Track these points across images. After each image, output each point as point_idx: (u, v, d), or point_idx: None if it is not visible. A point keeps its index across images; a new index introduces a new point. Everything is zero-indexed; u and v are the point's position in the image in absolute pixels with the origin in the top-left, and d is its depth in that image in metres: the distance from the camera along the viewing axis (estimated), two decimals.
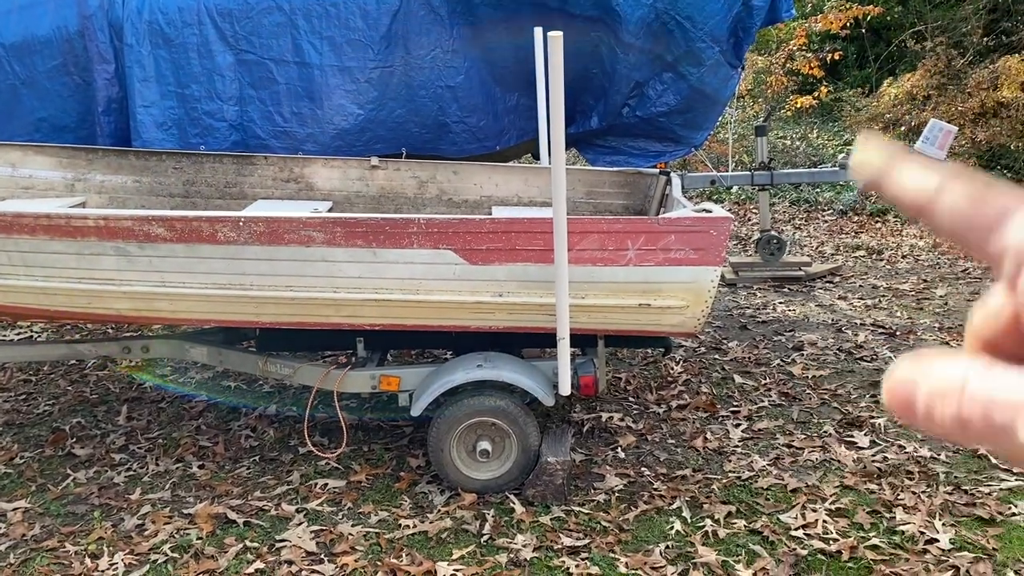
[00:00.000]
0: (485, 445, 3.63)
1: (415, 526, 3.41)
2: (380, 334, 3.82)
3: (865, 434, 4.12)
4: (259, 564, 3.18)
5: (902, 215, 9.34)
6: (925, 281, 6.88)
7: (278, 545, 3.31)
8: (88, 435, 4.35)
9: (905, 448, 3.96)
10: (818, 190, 10.33)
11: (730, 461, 3.91)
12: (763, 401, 4.57)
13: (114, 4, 4.96)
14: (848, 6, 11.10)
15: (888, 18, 12.38)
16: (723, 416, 4.40)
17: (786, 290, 6.76)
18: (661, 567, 3.12)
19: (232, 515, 3.52)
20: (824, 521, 3.37)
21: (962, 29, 11.56)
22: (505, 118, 5.46)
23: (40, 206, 4.26)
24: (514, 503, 3.56)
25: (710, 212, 3.38)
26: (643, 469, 3.86)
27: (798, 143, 11.82)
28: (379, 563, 3.17)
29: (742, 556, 3.17)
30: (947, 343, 5.40)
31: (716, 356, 5.29)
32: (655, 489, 3.68)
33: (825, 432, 4.18)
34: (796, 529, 3.33)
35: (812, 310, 6.20)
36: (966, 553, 3.13)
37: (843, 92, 12.47)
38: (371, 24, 5.06)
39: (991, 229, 0.32)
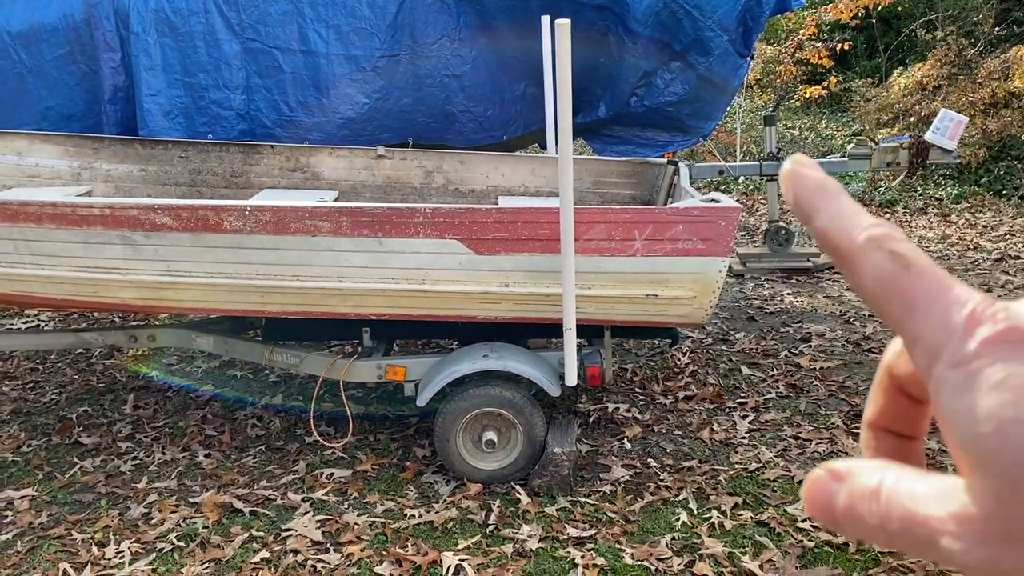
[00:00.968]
0: (491, 435, 3.62)
1: (421, 516, 3.41)
2: (386, 324, 3.81)
3: None
4: (265, 553, 3.18)
5: (911, 206, 9.29)
6: None
7: (284, 534, 3.31)
8: (95, 424, 4.36)
9: None
10: None
11: (737, 452, 3.90)
12: (770, 392, 4.56)
13: None
14: None
15: (898, 7, 12.28)
16: (730, 407, 4.39)
17: (794, 281, 6.73)
18: (667, 558, 3.11)
19: (238, 504, 3.52)
20: None
21: (973, 18, 11.47)
22: (512, 107, 5.44)
23: (46, 194, 4.26)
24: (520, 494, 3.55)
25: (718, 202, 3.36)
26: (649, 460, 3.85)
27: (807, 133, 11.77)
28: (385, 552, 3.17)
29: (748, 548, 3.16)
30: None
31: (723, 347, 5.27)
32: (661, 480, 3.67)
33: (833, 424, 4.16)
34: (803, 521, 3.32)
35: (820, 301, 6.17)
36: None
37: (852, 82, 12.39)
38: (377, 12, 5.04)
39: (911, 309, 0.30)
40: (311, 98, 5.10)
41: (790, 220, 7.25)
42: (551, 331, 3.73)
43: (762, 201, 9.20)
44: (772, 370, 4.87)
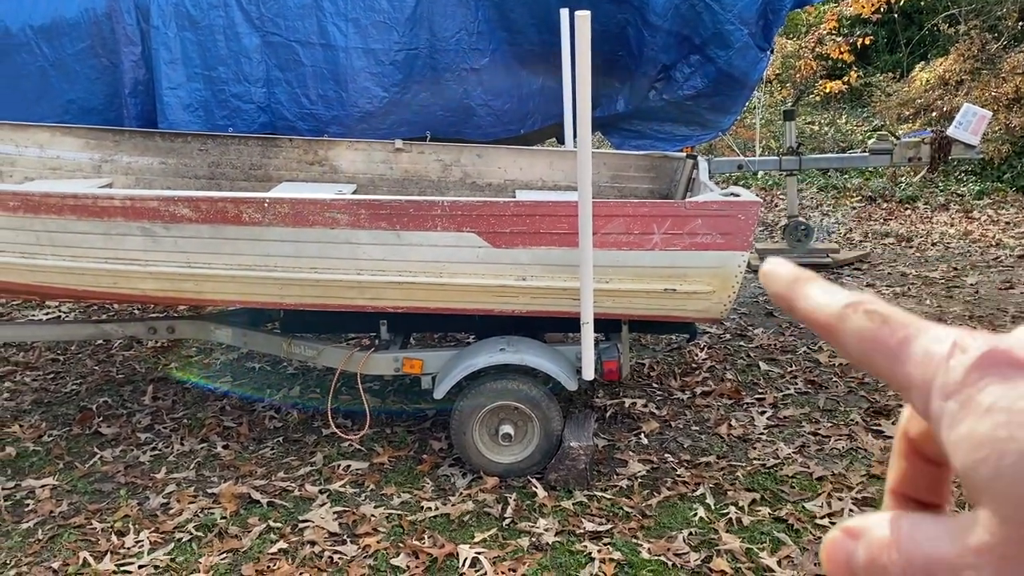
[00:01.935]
0: (507, 429, 3.62)
1: (437, 508, 3.42)
2: (403, 317, 3.82)
3: (893, 423, 4.06)
4: (282, 544, 3.20)
5: (932, 202, 9.19)
6: (955, 269, 6.77)
7: (301, 525, 3.33)
8: (114, 414, 4.39)
9: None
10: (846, 176, 10.19)
11: (755, 448, 3.88)
12: (789, 389, 4.53)
13: None
14: None
15: (920, 2, 12.15)
16: (748, 403, 4.36)
17: None
18: (684, 553, 3.10)
19: (256, 495, 3.54)
20: (850, 510, 3.33)
21: (996, 13, 11.31)
22: (530, 101, 5.42)
23: (67, 187, 4.30)
24: (536, 487, 3.55)
25: (738, 196, 3.33)
26: (666, 455, 3.84)
27: (827, 128, 11.67)
28: (401, 544, 3.18)
29: (766, 544, 3.15)
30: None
31: (741, 343, 5.24)
32: (678, 475, 3.66)
33: (852, 420, 4.13)
34: (822, 517, 3.30)
35: None
36: None
37: (873, 77, 12.27)
38: (396, 6, 5.04)
39: (895, 357, 0.31)
40: (330, 91, 5.11)
41: (809, 216, 7.19)
42: (568, 325, 3.73)
43: (781, 196, 9.13)
44: (790, 366, 4.84)
